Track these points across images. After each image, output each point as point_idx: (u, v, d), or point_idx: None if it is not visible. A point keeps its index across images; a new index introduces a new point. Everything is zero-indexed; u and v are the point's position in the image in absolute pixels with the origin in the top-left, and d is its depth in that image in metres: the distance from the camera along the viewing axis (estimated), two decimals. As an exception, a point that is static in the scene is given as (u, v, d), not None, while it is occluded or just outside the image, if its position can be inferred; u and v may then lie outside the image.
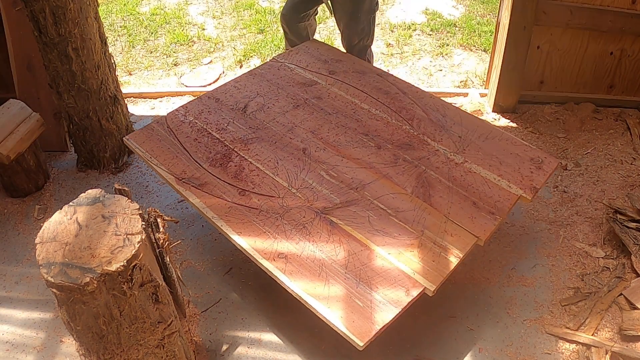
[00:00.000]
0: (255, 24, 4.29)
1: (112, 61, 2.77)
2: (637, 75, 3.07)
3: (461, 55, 3.84)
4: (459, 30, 4.12)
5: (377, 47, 3.98)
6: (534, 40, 2.96)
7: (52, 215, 1.54)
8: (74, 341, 1.64)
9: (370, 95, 2.49)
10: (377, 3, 2.85)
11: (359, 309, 1.66)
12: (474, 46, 3.93)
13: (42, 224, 1.54)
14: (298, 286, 1.72)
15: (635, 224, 2.36)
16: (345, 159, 2.17)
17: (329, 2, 2.86)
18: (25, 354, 2.09)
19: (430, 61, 3.80)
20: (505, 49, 2.98)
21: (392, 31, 4.14)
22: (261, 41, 4.07)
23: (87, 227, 1.49)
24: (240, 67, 3.85)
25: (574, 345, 2.05)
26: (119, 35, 4.21)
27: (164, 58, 3.96)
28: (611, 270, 2.30)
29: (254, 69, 2.74)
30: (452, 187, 2.05)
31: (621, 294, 2.18)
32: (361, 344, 1.58)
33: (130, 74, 3.81)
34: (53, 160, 2.98)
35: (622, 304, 2.16)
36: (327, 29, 4.19)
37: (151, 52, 4.03)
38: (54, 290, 1.40)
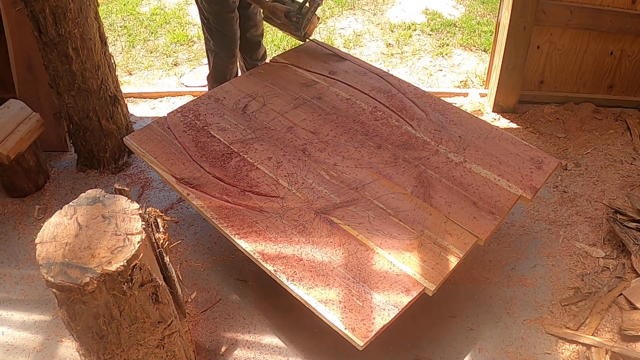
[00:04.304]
0: (255, 24, 4.28)
1: (112, 61, 2.77)
2: (637, 75, 3.07)
3: (461, 55, 3.84)
4: (459, 30, 4.12)
5: (377, 47, 3.98)
6: (534, 40, 2.96)
7: (52, 215, 1.54)
8: (74, 341, 1.64)
9: (370, 95, 2.49)
10: None
11: (359, 309, 1.66)
12: (474, 46, 3.93)
13: (42, 224, 1.54)
14: (298, 286, 1.72)
15: (635, 224, 2.36)
16: (345, 159, 2.17)
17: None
18: (25, 355, 2.09)
19: (430, 61, 3.80)
20: (505, 49, 2.98)
21: (392, 31, 4.15)
22: (261, 41, 4.07)
23: (87, 227, 1.49)
24: (240, 67, 3.85)
25: (574, 345, 2.05)
26: (119, 35, 4.21)
27: (164, 58, 3.96)
28: (611, 270, 2.30)
29: (254, 69, 2.74)
30: (452, 187, 2.05)
31: (621, 294, 2.18)
32: (361, 344, 1.58)
33: (130, 74, 3.81)
34: (53, 160, 2.98)
35: (622, 304, 2.15)
36: (327, 29, 4.19)
37: (151, 52, 4.03)
38: (54, 290, 1.40)
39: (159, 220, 1.83)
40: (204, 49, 4.00)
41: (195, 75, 3.74)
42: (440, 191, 2.03)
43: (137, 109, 3.37)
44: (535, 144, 2.94)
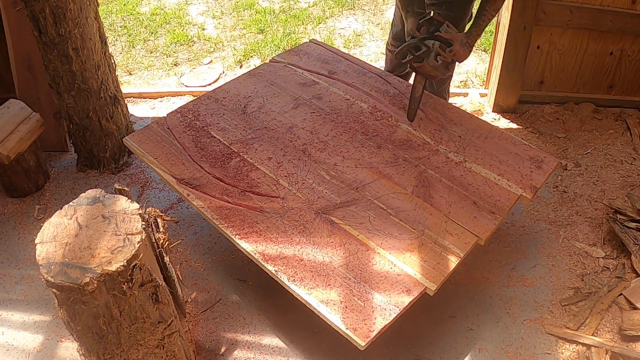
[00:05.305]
0: (255, 24, 4.29)
1: (112, 61, 2.77)
2: (637, 75, 3.07)
3: (461, 55, 3.83)
4: (458, 30, 4.12)
5: (377, 47, 3.98)
6: (534, 40, 2.96)
7: (52, 215, 1.54)
8: (74, 341, 1.64)
9: (370, 95, 2.49)
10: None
11: (360, 309, 1.66)
12: (474, 46, 3.93)
13: (42, 224, 1.53)
14: (299, 287, 1.72)
15: (635, 224, 2.36)
16: (345, 159, 2.17)
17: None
18: (25, 355, 2.08)
19: (430, 61, 3.80)
20: (505, 49, 2.98)
21: (392, 31, 4.14)
22: (261, 41, 4.07)
23: (87, 227, 1.49)
24: (240, 67, 3.85)
25: (574, 345, 2.05)
26: (119, 35, 4.21)
27: (164, 58, 3.96)
28: (611, 270, 2.30)
29: (254, 69, 2.74)
30: (453, 186, 2.05)
31: (621, 294, 2.18)
32: (363, 343, 1.58)
33: (130, 74, 3.81)
34: (53, 160, 2.98)
35: (622, 304, 2.15)
36: (327, 29, 4.19)
37: (151, 52, 4.03)
38: (54, 290, 1.40)
39: (159, 220, 1.83)
40: (204, 49, 4.03)
41: (195, 75, 3.74)
42: (440, 191, 2.03)
43: (137, 109, 3.37)
44: (535, 144, 2.94)
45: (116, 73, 2.83)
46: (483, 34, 3.98)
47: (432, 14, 2.28)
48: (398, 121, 2.35)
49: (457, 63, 2.43)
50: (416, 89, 2.32)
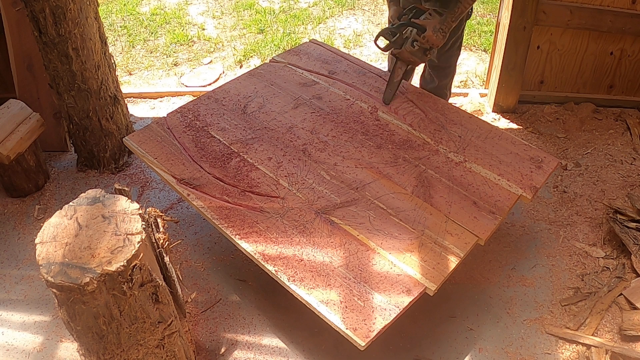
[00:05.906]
0: (255, 24, 4.29)
1: (112, 61, 2.77)
2: (637, 75, 3.07)
3: (461, 55, 3.83)
4: (458, 30, 4.12)
5: (377, 47, 3.98)
6: (534, 40, 2.96)
7: (52, 215, 1.54)
8: (74, 341, 1.64)
9: (370, 95, 2.49)
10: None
11: (360, 309, 1.66)
12: (474, 46, 3.93)
13: (42, 224, 1.54)
14: (299, 287, 1.72)
15: (635, 224, 2.36)
16: (345, 159, 2.17)
17: None
18: (25, 355, 2.08)
19: (430, 61, 3.80)
20: (505, 49, 2.98)
21: (392, 31, 4.14)
22: (261, 41, 4.07)
23: (87, 227, 1.49)
24: (240, 67, 3.85)
25: (574, 345, 2.05)
26: (119, 35, 4.21)
27: (164, 58, 3.96)
28: (611, 270, 2.30)
29: (254, 69, 2.74)
30: (452, 186, 2.05)
31: (621, 294, 2.18)
32: (363, 344, 1.58)
33: (130, 74, 3.81)
34: (53, 160, 2.98)
35: (622, 304, 2.16)
36: (327, 29, 4.19)
37: (151, 52, 4.03)
38: (54, 290, 1.40)
39: (159, 220, 1.83)
40: (204, 49, 4.03)
41: (195, 75, 3.74)
42: (440, 191, 2.03)
43: (137, 109, 3.37)
44: (535, 144, 2.94)
45: (116, 73, 2.83)
46: (483, 34, 4.00)
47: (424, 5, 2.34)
48: (398, 121, 2.34)
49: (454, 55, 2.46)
50: (395, 74, 2.40)
